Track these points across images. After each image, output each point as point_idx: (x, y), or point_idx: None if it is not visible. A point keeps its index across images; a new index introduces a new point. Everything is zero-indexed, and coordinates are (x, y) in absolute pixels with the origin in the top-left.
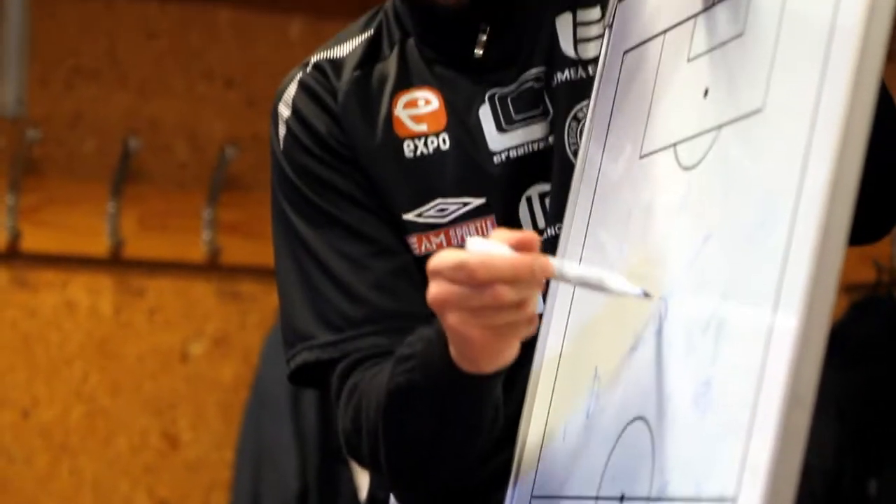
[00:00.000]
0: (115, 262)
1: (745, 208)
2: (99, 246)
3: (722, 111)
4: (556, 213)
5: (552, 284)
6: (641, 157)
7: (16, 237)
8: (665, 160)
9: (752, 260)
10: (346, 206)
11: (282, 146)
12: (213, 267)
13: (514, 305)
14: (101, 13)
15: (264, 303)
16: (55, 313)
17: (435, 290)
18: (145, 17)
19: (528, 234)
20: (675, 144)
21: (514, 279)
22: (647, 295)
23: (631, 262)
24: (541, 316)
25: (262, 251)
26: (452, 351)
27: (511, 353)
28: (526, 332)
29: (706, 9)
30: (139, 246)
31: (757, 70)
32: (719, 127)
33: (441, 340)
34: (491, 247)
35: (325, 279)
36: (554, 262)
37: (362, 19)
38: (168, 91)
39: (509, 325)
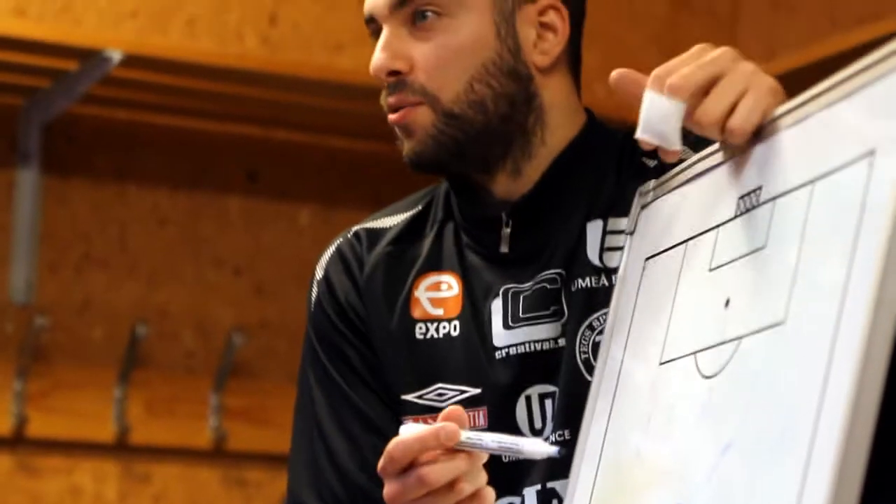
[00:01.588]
0: (121, 447)
1: (765, 420)
2: (105, 432)
3: (743, 322)
4: (561, 419)
5: (573, 468)
6: (661, 364)
7: (22, 423)
8: (685, 368)
9: (771, 472)
10: (353, 380)
11: (312, 308)
12: (218, 453)
13: (448, 486)
14: (113, 201)
15: (270, 489)
16: (60, 499)
17: (385, 490)
18: (156, 205)
19: (451, 409)
20: (695, 353)
21: (422, 449)
22: (560, 453)
23: (649, 467)
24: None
25: (268, 438)
26: None
27: None
28: None
29: (728, 220)
30: (145, 432)
31: (778, 283)
32: (740, 338)
33: None
34: (412, 429)
35: (324, 451)
36: (465, 433)
37: (417, 194)
38: (177, 278)
39: None
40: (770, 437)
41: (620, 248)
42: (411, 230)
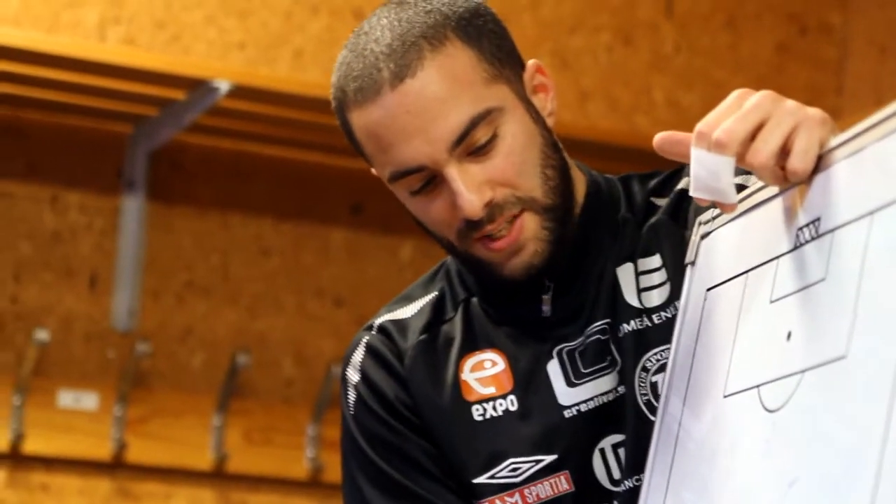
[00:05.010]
0: (218, 475)
1: (828, 456)
2: (203, 460)
3: (805, 355)
4: (632, 465)
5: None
6: (725, 397)
7: (121, 448)
8: (749, 402)
9: None
10: (414, 475)
11: (352, 411)
12: (314, 484)
13: None
14: (217, 230)
15: None
16: None
17: None
18: (259, 235)
19: None
20: (758, 386)
21: None
22: None
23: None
24: None
25: None
26: None
27: None
28: None
29: (788, 252)
30: (242, 460)
31: (839, 316)
32: (803, 371)
33: None
34: None
35: None
36: None
37: (424, 278)
38: (278, 308)
39: None
40: (834, 473)
41: (655, 287)
42: (436, 316)
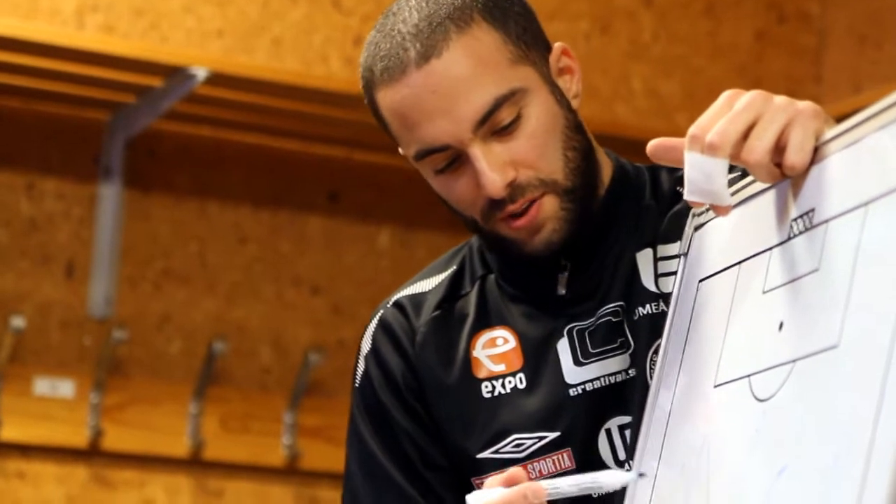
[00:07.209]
0: (195, 462)
1: (820, 443)
2: (179, 447)
3: (797, 345)
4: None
5: (628, 493)
6: (716, 387)
7: (97, 435)
8: (739, 391)
9: (826, 497)
10: (393, 457)
11: (357, 383)
12: (291, 471)
13: None
14: (194, 217)
15: None
16: None
17: None
18: (237, 223)
19: (513, 470)
20: (749, 376)
21: None
22: (641, 475)
23: (704, 492)
24: None
25: (341, 457)
26: None
27: None
28: None
29: (781, 243)
30: (219, 448)
31: (832, 306)
32: (794, 361)
33: None
34: (486, 495)
35: None
36: (544, 484)
37: (447, 254)
38: (255, 296)
39: None
40: (824, 462)
41: (673, 273)
42: (452, 290)
